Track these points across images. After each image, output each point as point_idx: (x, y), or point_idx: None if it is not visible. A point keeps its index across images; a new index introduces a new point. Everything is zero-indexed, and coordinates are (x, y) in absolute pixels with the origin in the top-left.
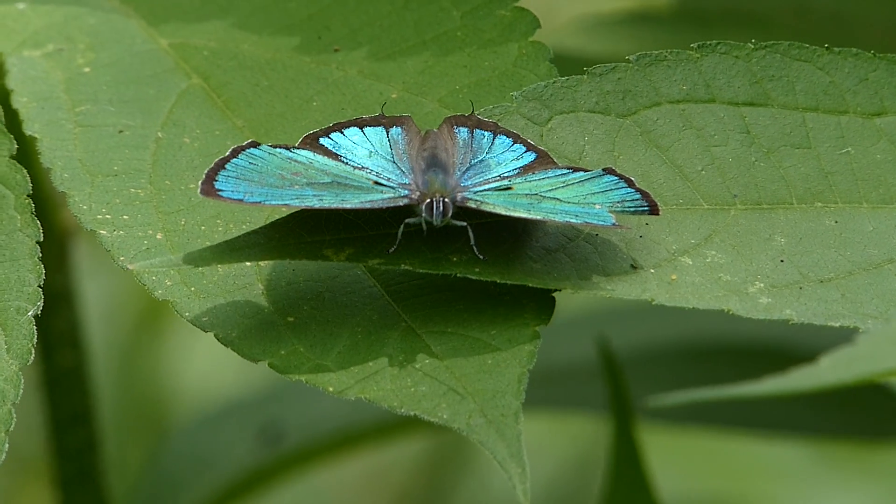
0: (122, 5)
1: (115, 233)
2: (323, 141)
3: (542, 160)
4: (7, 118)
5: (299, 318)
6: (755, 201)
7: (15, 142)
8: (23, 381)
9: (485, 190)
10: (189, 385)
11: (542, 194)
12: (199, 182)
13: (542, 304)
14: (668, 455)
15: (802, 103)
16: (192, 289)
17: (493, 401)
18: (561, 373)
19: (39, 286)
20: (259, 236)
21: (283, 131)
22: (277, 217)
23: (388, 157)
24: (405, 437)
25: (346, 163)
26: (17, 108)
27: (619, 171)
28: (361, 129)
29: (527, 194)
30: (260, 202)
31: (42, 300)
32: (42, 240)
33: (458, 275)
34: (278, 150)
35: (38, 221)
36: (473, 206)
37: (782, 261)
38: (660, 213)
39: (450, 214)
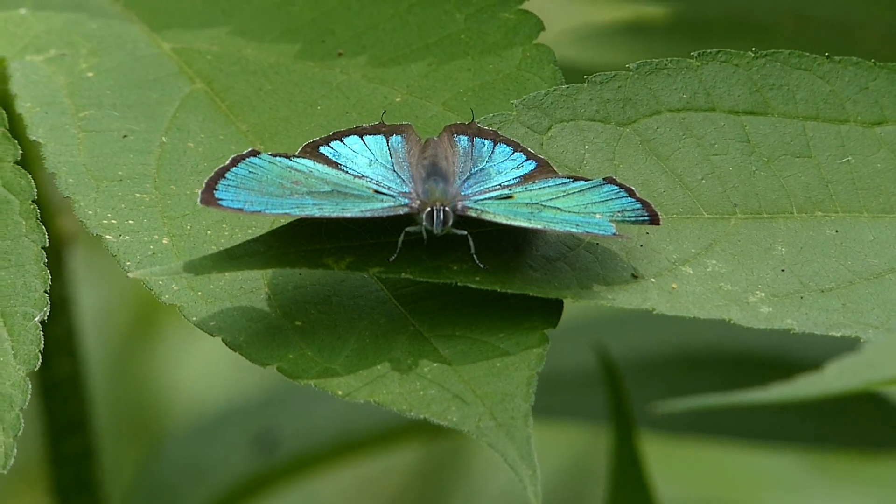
0: (124, 10)
1: (120, 238)
2: (323, 150)
3: (543, 169)
4: (11, 123)
5: (307, 322)
6: (755, 210)
7: (19, 147)
8: (30, 386)
9: (485, 199)
10: (184, 392)
11: (543, 203)
12: (199, 191)
13: (549, 307)
14: (664, 464)
15: (803, 112)
16: (199, 293)
17: (503, 404)
18: (558, 381)
19: (45, 291)
20: (259, 245)
21: (287, 135)
22: (278, 223)
23: (389, 166)
24: (401, 444)
25: (347, 171)
26: (21, 112)
27: (619, 181)
28: (361, 137)
29: (527, 203)
30: (260, 211)
31: (48, 306)
32: (47, 245)
33: (459, 283)
34: (278, 158)
35: (44, 227)
36: (474, 214)
37: (783, 270)
38: (660, 222)
39: (450, 223)
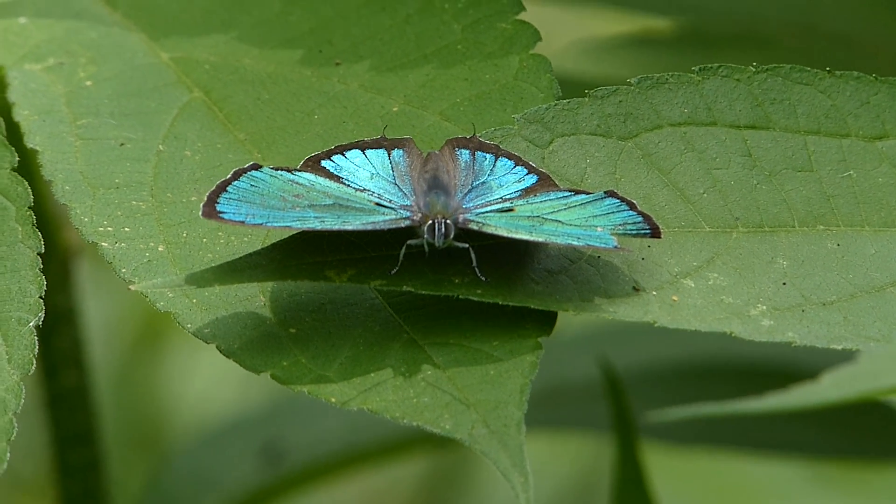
0: (123, 19)
1: (116, 245)
2: (324, 163)
3: (544, 183)
4: (8, 131)
5: (301, 329)
6: (757, 224)
7: (16, 154)
8: (24, 391)
9: (487, 212)
10: (190, 404)
11: (544, 217)
12: (201, 205)
13: (543, 315)
14: (666, 475)
15: (804, 126)
16: (194, 301)
17: (496, 411)
18: (561, 393)
19: (41, 297)
20: (261, 257)
21: (284, 144)
22: (279, 236)
23: (390, 179)
24: (406, 456)
25: (348, 185)
26: (19, 121)
27: (620, 194)
28: (363, 151)
29: (529, 216)
30: (261, 224)
31: (43, 311)
32: (43, 251)
33: (461, 296)
34: (280, 172)
35: (40, 234)
36: (475, 227)
37: (784, 283)
38: (661, 236)
39: (452, 236)
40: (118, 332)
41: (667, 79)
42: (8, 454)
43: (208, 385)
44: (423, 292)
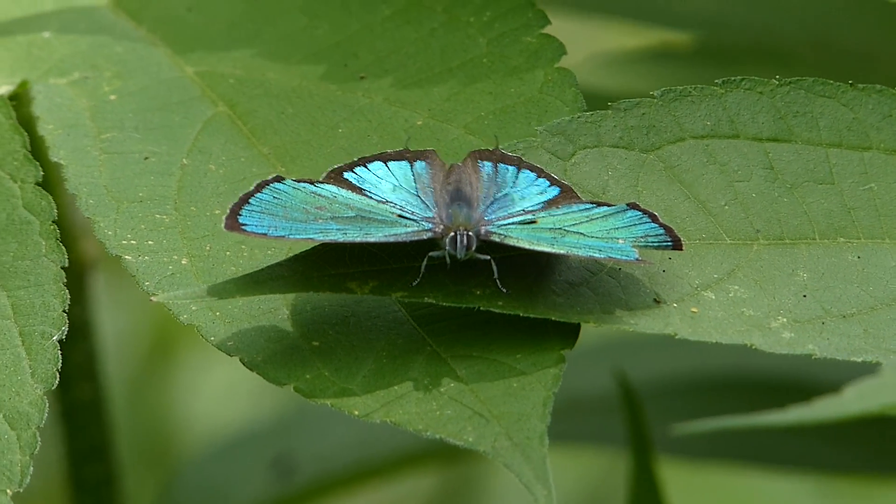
0: (148, 34)
1: (140, 258)
2: (347, 175)
3: (566, 195)
4: (33, 145)
5: (324, 342)
6: (778, 236)
7: (41, 168)
8: (48, 405)
9: (509, 224)
10: (201, 417)
11: (566, 229)
12: (224, 217)
13: (567, 328)
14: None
15: (826, 139)
16: (217, 313)
17: (519, 424)
18: (577, 406)
19: (64, 311)
20: (283, 269)
21: (308, 158)
22: (301, 248)
23: (413, 191)
24: (418, 470)
25: (371, 197)
26: (43, 134)
27: (642, 206)
28: (386, 163)
29: (550, 228)
30: (284, 236)
31: (67, 325)
32: (67, 265)
33: (482, 308)
34: (302, 184)
35: (63, 248)
36: (497, 239)
37: (805, 296)
38: (683, 248)
39: (473, 248)
40: (130, 346)
41: (690, 91)
42: (31, 469)
43: (219, 399)
44: (445, 304)
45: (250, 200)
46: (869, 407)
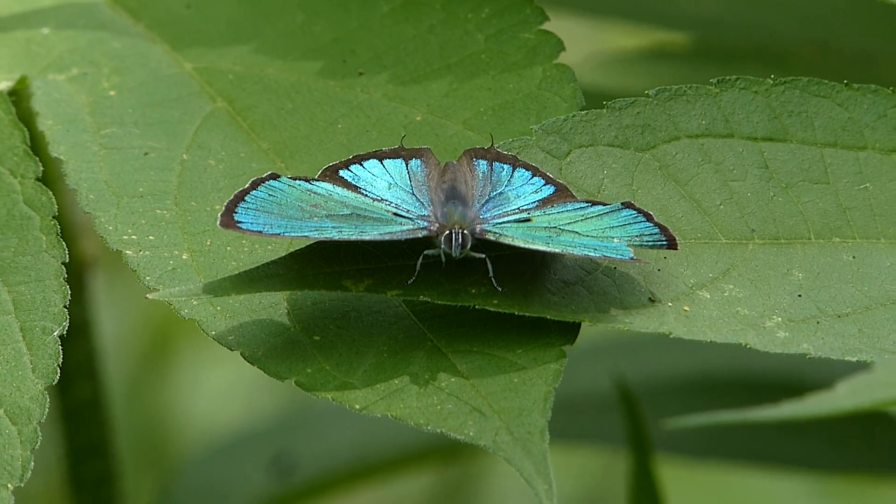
0: (146, 31)
1: (140, 253)
2: (342, 173)
3: (561, 193)
4: (32, 141)
5: (325, 336)
6: (773, 236)
7: (41, 164)
8: (48, 400)
9: (504, 222)
10: (200, 416)
11: (561, 227)
12: (219, 214)
13: (567, 324)
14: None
15: (821, 139)
16: (218, 308)
17: (520, 419)
18: (574, 405)
19: (65, 306)
20: (278, 267)
21: (307, 154)
22: (298, 245)
23: (408, 189)
24: (417, 468)
25: (366, 195)
26: (43, 130)
27: (637, 206)
28: (381, 161)
29: (545, 227)
30: (279, 234)
31: (67, 320)
32: (67, 261)
33: (477, 306)
34: (298, 182)
35: (64, 244)
36: (492, 238)
37: (800, 295)
38: (678, 247)
39: (469, 246)
40: (129, 345)
41: (684, 91)
42: (32, 464)
43: (218, 397)
44: (440, 302)
45: (246, 198)
46: (861, 403)
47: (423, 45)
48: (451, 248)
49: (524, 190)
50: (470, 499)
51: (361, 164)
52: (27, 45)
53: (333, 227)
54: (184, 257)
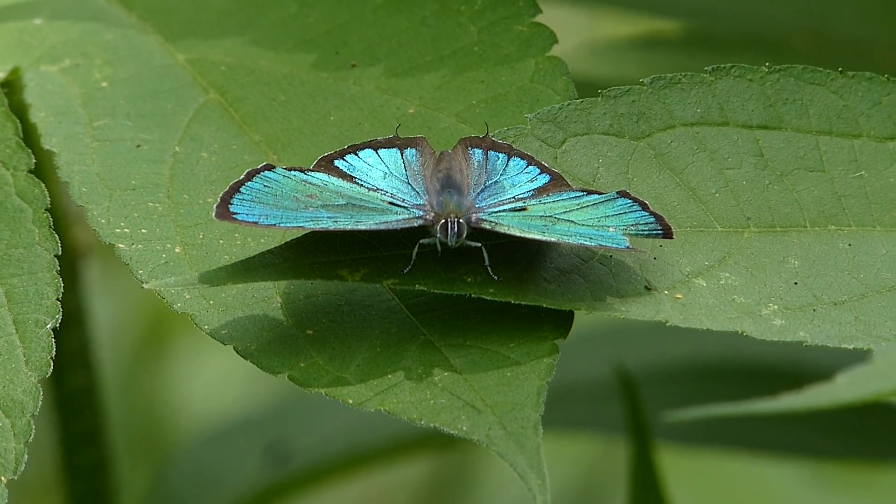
0: (138, 21)
1: (133, 246)
2: (337, 163)
3: (557, 182)
4: (25, 132)
5: (318, 330)
6: (769, 224)
7: (33, 156)
8: (41, 393)
9: (499, 211)
10: (195, 404)
11: (557, 216)
12: (214, 206)
13: (560, 317)
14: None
15: (816, 127)
16: (211, 302)
17: (513, 413)
18: (572, 393)
19: (58, 299)
20: (274, 256)
21: (300, 146)
22: (293, 235)
23: (403, 179)
24: (411, 457)
25: (361, 184)
26: (35, 122)
27: (633, 194)
28: (376, 150)
29: (541, 216)
30: (275, 225)
31: (60, 313)
32: (60, 253)
33: (473, 295)
34: (293, 172)
35: (57, 236)
36: (488, 227)
37: (796, 283)
38: (673, 236)
39: (464, 235)
40: (123, 333)
41: (679, 79)
42: (25, 456)
43: (213, 386)
44: (436, 291)
45: (241, 189)
46: (861, 394)
47: (415, 36)
48: (447, 237)
49: (519, 179)
50: (464, 487)
51: (357, 154)
52: (20, 35)
53: (329, 218)
54: (176, 250)
